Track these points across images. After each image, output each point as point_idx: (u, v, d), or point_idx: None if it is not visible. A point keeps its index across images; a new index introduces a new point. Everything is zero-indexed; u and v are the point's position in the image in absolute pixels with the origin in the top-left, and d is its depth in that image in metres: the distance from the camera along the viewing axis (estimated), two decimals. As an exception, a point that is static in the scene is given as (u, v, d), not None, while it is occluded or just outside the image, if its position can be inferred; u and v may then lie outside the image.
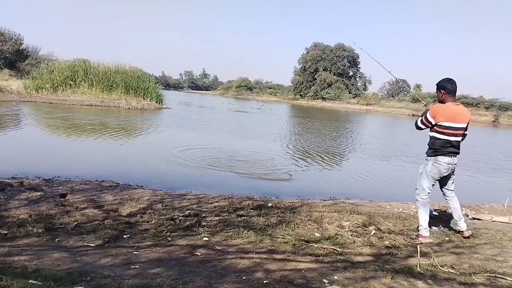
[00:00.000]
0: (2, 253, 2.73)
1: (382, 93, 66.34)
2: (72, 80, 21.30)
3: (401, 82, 7.37)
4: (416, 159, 10.24)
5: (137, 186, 5.37)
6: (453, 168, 3.71)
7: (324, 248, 3.21)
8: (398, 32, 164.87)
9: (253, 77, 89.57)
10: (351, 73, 67.09)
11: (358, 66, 66.33)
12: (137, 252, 2.91)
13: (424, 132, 3.84)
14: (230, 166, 7.38)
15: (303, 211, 4.43)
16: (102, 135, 10.21)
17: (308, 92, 64.52)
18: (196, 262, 2.76)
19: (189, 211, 4.15)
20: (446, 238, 3.81)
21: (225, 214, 4.19)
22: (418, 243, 3.49)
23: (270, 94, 72.53)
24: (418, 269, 2.84)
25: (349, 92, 61.95)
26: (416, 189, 3.83)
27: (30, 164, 6.34)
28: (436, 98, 3.79)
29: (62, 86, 20.97)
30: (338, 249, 3.22)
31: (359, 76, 67.52)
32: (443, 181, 3.82)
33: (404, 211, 4.92)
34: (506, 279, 2.73)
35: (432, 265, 2.92)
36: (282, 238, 3.43)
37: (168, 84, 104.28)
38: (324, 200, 5.58)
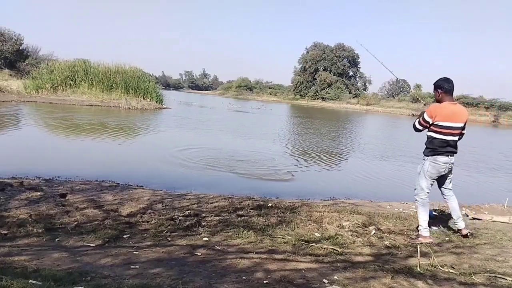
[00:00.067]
0: (2, 253, 2.73)
1: (382, 93, 66.39)
2: (72, 80, 21.30)
3: (401, 82, 7.38)
4: (415, 159, 10.23)
5: (137, 186, 5.37)
6: (450, 167, 3.71)
7: (324, 248, 3.22)
8: (398, 32, 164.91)
9: (253, 77, 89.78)
10: (351, 73, 67.10)
11: (358, 66, 66.41)
12: (137, 252, 2.91)
13: (423, 132, 3.85)
14: (230, 166, 7.38)
15: (303, 211, 4.43)
16: (102, 135, 10.21)
17: (308, 92, 64.52)
18: (196, 262, 2.76)
19: (189, 211, 4.15)
20: (446, 238, 3.81)
21: (225, 214, 4.19)
22: (418, 243, 3.49)
23: (270, 94, 72.54)
24: (418, 269, 2.84)
25: (349, 92, 61.96)
26: (415, 189, 3.84)
27: (30, 164, 6.34)
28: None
29: (62, 86, 20.97)
30: (338, 249, 3.22)
31: (359, 76, 67.56)
32: (441, 180, 3.82)
33: (404, 211, 4.92)
34: (506, 279, 2.73)
35: (432, 265, 2.92)
36: (282, 238, 3.43)
37: (168, 84, 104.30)
38: (324, 200, 5.58)
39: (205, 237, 3.38)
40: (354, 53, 64.71)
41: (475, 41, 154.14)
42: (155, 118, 17.61)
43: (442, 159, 3.63)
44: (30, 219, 3.52)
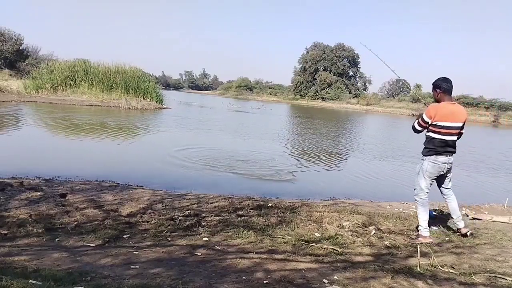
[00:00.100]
0: (2, 253, 2.73)
1: (382, 93, 66.42)
2: (72, 80, 21.30)
3: (402, 81, 7.39)
4: (415, 159, 10.21)
5: (137, 186, 5.37)
6: (449, 167, 3.71)
7: (324, 248, 3.21)
8: (398, 32, 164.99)
9: (253, 77, 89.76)
10: (351, 73, 67.11)
11: (358, 66, 66.43)
12: (137, 252, 2.91)
13: (423, 132, 3.85)
14: (230, 166, 7.38)
15: (303, 211, 4.43)
16: (102, 135, 10.21)
17: (308, 92, 64.53)
18: (196, 262, 2.76)
19: (189, 211, 4.15)
20: (446, 238, 3.81)
21: (225, 214, 4.19)
22: (418, 243, 3.49)
23: (270, 94, 72.55)
24: (418, 269, 2.84)
25: (349, 92, 61.97)
26: (414, 189, 3.83)
27: (30, 164, 6.34)
28: None
29: (62, 86, 20.97)
30: (338, 249, 3.22)
31: (359, 76, 67.57)
32: (440, 180, 3.83)
33: (404, 211, 4.92)
34: (506, 279, 2.73)
35: (432, 265, 2.92)
36: (282, 238, 3.43)
37: (168, 84, 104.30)
38: (324, 200, 5.57)
39: (205, 237, 3.38)
40: (354, 53, 64.74)
41: (475, 41, 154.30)
42: (155, 118, 17.61)
43: (441, 159, 3.63)
44: (30, 219, 3.52)
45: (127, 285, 2.20)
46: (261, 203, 4.74)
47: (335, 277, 2.59)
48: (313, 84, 64.99)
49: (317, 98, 62.02)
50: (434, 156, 3.64)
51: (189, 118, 19.22)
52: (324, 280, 2.52)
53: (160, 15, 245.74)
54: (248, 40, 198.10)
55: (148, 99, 22.02)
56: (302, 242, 3.33)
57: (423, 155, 3.74)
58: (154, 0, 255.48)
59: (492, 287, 2.64)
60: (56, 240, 3.14)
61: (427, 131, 3.70)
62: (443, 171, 3.70)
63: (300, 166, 8.34)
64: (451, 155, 3.67)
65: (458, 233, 3.87)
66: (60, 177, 5.47)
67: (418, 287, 2.56)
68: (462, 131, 3.70)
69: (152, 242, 3.19)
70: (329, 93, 61.16)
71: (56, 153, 7.84)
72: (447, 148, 3.62)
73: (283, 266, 2.74)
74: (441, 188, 3.89)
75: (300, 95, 65.07)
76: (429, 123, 3.62)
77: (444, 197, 3.92)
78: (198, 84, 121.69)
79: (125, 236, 3.32)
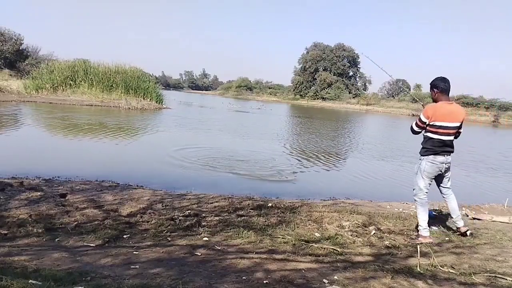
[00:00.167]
0: (2, 253, 2.73)
1: (382, 93, 66.37)
2: (72, 80, 21.30)
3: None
4: (415, 159, 10.22)
5: (137, 186, 5.37)
6: (447, 166, 3.71)
7: (324, 248, 3.21)
8: (398, 32, 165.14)
9: (253, 77, 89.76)
10: (351, 73, 67.13)
11: (358, 66, 66.39)
12: (137, 252, 2.91)
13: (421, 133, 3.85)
14: (230, 166, 7.38)
15: (303, 211, 4.43)
16: (102, 135, 10.21)
17: (308, 92, 64.54)
18: (196, 262, 2.76)
19: (189, 211, 4.15)
20: (446, 238, 3.81)
21: (225, 214, 4.19)
22: (418, 243, 3.49)
23: (270, 94, 72.56)
24: (418, 269, 2.84)
25: (349, 92, 61.97)
26: (413, 189, 3.83)
27: (30, 164, 6.34)
28: None
29: (62, 86, 20.97)
30: (338, 249, 3.22)
31: (359, 76, 67.59)
32: (439, 179, 3.83)
33: (404, 211, 4.92)
34: (506, 279, 2.73)
35: (432, 265, 2.92)
36: (282, 238, 3.43)
37: (168, 84, 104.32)
38: (324, 200, 5.57)
39: (205, 237, 3.38)
40: (354, 53, 64.75)
41: (475, 41, 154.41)
42: (155, 118, 17.61)
43: (438, 158, 3.63)
44: (30, 219, 3.52)
45: (127, 285, 2.20)
46: (261, 203, 4.74)
47: (335, 277, 2.59)
48: (313, 84, 65.00)
49: (317, 98, 62.03)
50: (432, 156, 3.64)
51: (189, 118, 19.22)
52: (324, 280, 2.52)
53: (160, 15, 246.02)
54: (248, 40, 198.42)
55: (148, 99, 22.02)
56: (302, 242, 3.33)
57: (421, 155, 3.74)
58: (154, 0, 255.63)
59: (492, 287, 2.64)
60: (56, 240, 3.14)
61: (425, 131, 3.70)
62: (441, 171, 3.70)
63: (300, 166, 8.34)
64: (449, 155, 3.68)
65: (457, 233, 3.88)
66: (60, 177, 5.47)
67: (418, 287, 2.56)
68: (460, 130, 3.70)
69: (152, 242, 3.19)
70: (329, 93, 61.17)
71: (56, 153, 7.84)
72: (445, 148, 3.62)
73: (283, 266, 2.74)
74: (440, 188, 3.89)
75: (300, 95, 65.07)
76: (427, 123, 3.62)
77: (443, 197, 3.92)
78: (198, 84, 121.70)
79: (125, 236, 3.32)
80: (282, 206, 4.65)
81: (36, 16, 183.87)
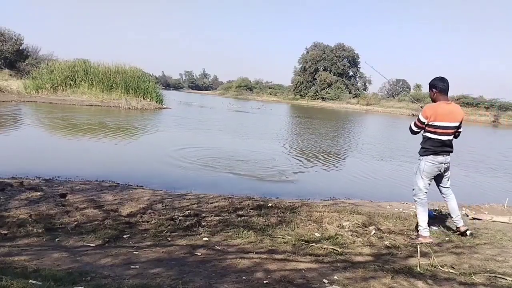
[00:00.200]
0: (2, 253, 2.73)
1: (382, 93, 66.36)
2: (72, 80, 21.30)
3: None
4: (415, 159, 10.23)
5: (137, 186, 5.37)
6: (446, 166, 3.71)
7: (324, 248, 3.21)
8: (398, 32, 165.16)
9: (253, 77, 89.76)
10: (351, 73, 67.11)
11: (358, 66, 66.34)
12: (137, 252, 2.91)
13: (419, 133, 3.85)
14: (230, 166, 7.38)
15: (303, 211, 4.43)
16: (102, 135, 10.21)
17: (308, 92, 64.53)
18: (196, 262, 2.76)
19: (189, 211, 4.15)
20: (446, 238, 3.81)
21: (225, 214, 4.19)
22: (418, 243, 3.49)
23: (270, 94, 72.55)
24: (418, 269, 2.84)
25: (349, 92, 61.97)
26: (413, 189, 3.83)
27: (30, 164, 6.34)
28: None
29: (62, 86, 20.97)
30: (338, 249, 3.22)
31: (359, 76, 67.55)
32: (438, 179, 3.83)
33: (404, 211, 4.92)
34: (506, 279, 2.73)
35: (432, 265, 2.92)
36: (282, 238, 3.43)
37: (168, 84, 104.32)
38: (324, 200, 5.57)
39: (205, 237, 3.38)
40: (354, 53, 64.77)
41: (475, 41, 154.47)
42: (155, 118, 17.62)
43: (437, 158, 3.63)
44: (30, 219, 3.52)
45: (127, 285, 2.20)
46: (261, 203, 4.73)
47: (335, 277, 2.59)
48: (313, 84, 64.99)
49: (317, 98, 62.02)
50: (431, 156, 3.64)
51: (189, 118, 19.22)
52: (324, 280, 2.52)
53: (160, 15, 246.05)
54: (248, 40, 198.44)
55: (148, 99, 22.02)
56: (302, 242, 3.33)
57: (420, 155, 3.74)
58: (154, 0, 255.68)
59: (492, 287, 2.64)
60: (56, 240, 3.14)
61: (424, 131, 3.70)
62: (440, 171, 3.70)
63: (300, 167, 8.34)
64: (448, 155, 3.68)
65: (457, 232, 3.88)
66: (60, 177, 5.47)
67: (418, 287, 2.56)
68: (460, 130, 3.70)
69: (152, 242, 3.19)
70: (329, 93, 61.16)
71: (56, 153, 7.84)
72: (444, 147, 3.62)
73: (283, 266, 2.74)
74: (440, 188, 3.89)
75: (300, 95, 65.07)
76: (425, 123, 3.62)
77: (443, 196, 3.92)
78: (198, 84, 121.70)
79: (125, 236, 3.32)
80: (282, 206, 4.65)
81: (36, 16, 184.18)
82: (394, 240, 3.66)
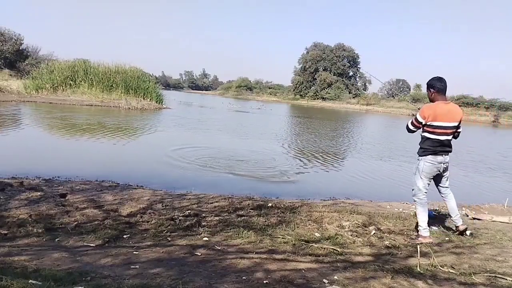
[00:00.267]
0: (2, 253, 2.73)
1: (382, 93, 66.37)
2: (72, 80, 21.30)
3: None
4: (414, 159, 10.22)
5: (137, 186, 5.37)
6: (445, 166, 3.71)
7: (324, 248, 3.21)
8: (398, 32, 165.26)
9: (253, 77, 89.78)
10: (351, 73, 67.11)
11: (358, 66, 66.37)
12: (137, 252, 2.91)
13: (417, 132, 3.85)
14: (230, 166, 7.38)
15: (303, 211, 4.43)
16: (102, 135, 10.21)
17: (308, 92, 64.53)
18: (196, 262, 2.76)
19: (189, 211, 4.15)
20: (446, 238, 3.81)
21: (225, 214, 4.19)
22: (418, 243, 3.49)
23: (270, 94, 72.55)
24: (418, 269, 2.84)
25: (349, 92, 61.97)
26: (412, 190, 3.83)
27: (30, 164, 6.34)
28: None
29: (62, 86, 20.97)
30: (338, 249, 3.22)
31: (359, 76, 67.51)
32: (437, 179, 3.83)
33: (404, 211, 4.92)
34: (506, 279, 2.73)
35: (432, 265, 2.92)
36: (282, 238, 3.43)
37: (168, 84, 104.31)
38: (324, 200, 5.57)
39: (205, 237, 3.38)
40: (354, 53, 64.80)
41: (475, 41, 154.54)
42: (155, 118, 17.61)
43: (436, 158, 3.63)
44: (30, 219, 3.52)
45: (127, 285, 2.20)
46: (261, 203, 4.74)
47: (335, 277, 2.59)
48: (313, 84, 64.99)
49: (317, 98, 62.02)
50: (431, 156, 3.64)
51: (188, 118, 19.22)
52: (324, 280, 2.52)
53: (160, 15, 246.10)
54: (248, 40, 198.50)
55: (148, 99, 22.02)
56: (302, 242, 3.33)
57: (419, 156, 3.74)
58: (154, 0, 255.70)
59: (492, 287, 2.64)
60: (56, 240, 3.14)
61: (422, 131, 3.69)
62: (439, 171, 3.70)
63: (300, 167, 8.34)
64: (447, 154, 3.68)
65: (456, 231, 3.88)
66: (60, 177, 5.47)
67: (418, 287, 2.56)
68: (459, 130, 3.70)
69: (152, 242, 3.19)
70: (329, 93, 61.16)
71: (56, 153, 7.84)
72: (443, 147, 3.62)
73: (283, 266, 2.74)
74: (439, 187, 3.89)
75: (300, 95, 65.07)
76: (423, 123, 3.62)
77: (442, 196, 3.93)
78: (198, 84, 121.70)
79: (125, 236, 3.32)
80: (282, 206, 4.65)
81: (36, 16, 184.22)
82: (394, 240, 3.66)
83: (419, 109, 3.75)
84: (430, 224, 3.83)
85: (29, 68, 28.96)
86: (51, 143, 8.92)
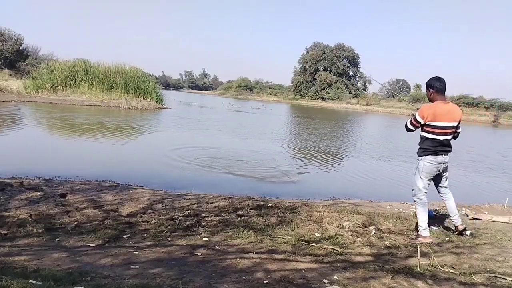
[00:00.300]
0: (2, 253, 2.73)
1: (382, 93, 66.35)
2: (72, 80, 21.31)
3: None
4: (414, 159, 10.22)
5: (137, 186, 5.37)
6: (445, 166, 3.71)
7: (324, 248, 3.21)
8: (398, 32, 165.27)
9: (253, 77, 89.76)
10: (351, 73, 67.11)
11: (358, 66, 66.36)
12: (137, 252, 2.91)
13: (415, 131, 3.85)
14: (230, 166, 7.38)
15: (303, 211, 4.43)
16: (102, 135, 10.21)
17: (308, 92, 64.53)
18: (196, 262, 2.76)
19: (189, 211, 4.15)
20: (446, 238, 3.81)
21: (225, 214, 4.19)
22: (418, 243, 3.49)
23: (270, 94, 72.54)
24: (418, 269, 2.84)
25: (349, 92, 61.97)
26: (412, 190, 3.83)
27: (30, 164, 6.34)
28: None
29: (62, 86, 20.98)
30: (338, 249, 3.22)
31: (359, 76, 67.54)
32: (436, 179, 3.83)
33: (404, 211, 4.92)
34: (506, 279, 2.73)
35: (432, 265, 2.92)
36: (282, 238, 3.43)
37: (168, 84, 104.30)
38: (324, 200, 5.57)
39: (205, 237, 3.38)
40: (354, 53, 64.80)
41: (475, 41, 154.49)
42: (155, 118, 17.62)
43: (436, 158, 3.63)
44: (30, 219, 3.52)
45: (127, 285, 2.20)
46: (261, 203, 4.74)
47: (335, 277, 2.59)
48: (313, 84, 64.99)
49: (317, 98, 62.01)
50: (430, 156, 3.64)
51: (188, 118, 19.23)
52: (324, 280, 2.52)
53: (160, 15, 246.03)
54: (248, 40, 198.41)
55: (148, 99, 22.03)
56: (302, 242, 3.33)
57: (419, 156, 3.74)
58: (154, 0, 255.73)
59: (492, 287, 2.64)
60: (56, 240, 3.14)
61: (421, 131, 3.69)
62: (439, 171, 3.70)
63: (299, 167, 8.34)
64: (447, 154, 3.68)
65: (456, 231, 3.88)
66: (60, 177, 5.47)
67: (418, 287, 2.56)
68: (458, 130, 3.70)
69: (152, 242, 3.19)
70: (329, 93, 61.15)
71: (56, 153, 7.84)
72: (443, 147, 3.62)
73: (283, 266, 2.74)
74: (438, 187, 3.90)
75: (300, 95, 65.07)
76: (422, 123, 3.62)
77: (441, 196, 3.93)
78: (198, 84, 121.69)
79: (125, 236, 3.32)
80: (282, 206, 4.65)
81: (36, 16, 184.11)
82: (394, 240, 3.66)
83: (417, 109, 3.75)
84: (430, 224, 3.83)
85: (29, 68, 28.96)
86: (51, 143, 8.92)
